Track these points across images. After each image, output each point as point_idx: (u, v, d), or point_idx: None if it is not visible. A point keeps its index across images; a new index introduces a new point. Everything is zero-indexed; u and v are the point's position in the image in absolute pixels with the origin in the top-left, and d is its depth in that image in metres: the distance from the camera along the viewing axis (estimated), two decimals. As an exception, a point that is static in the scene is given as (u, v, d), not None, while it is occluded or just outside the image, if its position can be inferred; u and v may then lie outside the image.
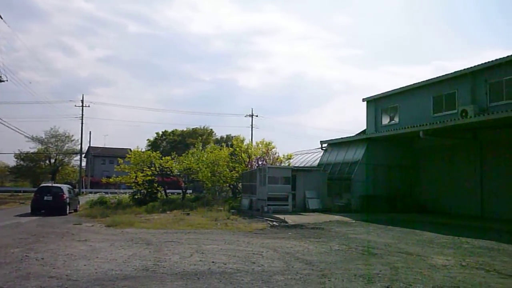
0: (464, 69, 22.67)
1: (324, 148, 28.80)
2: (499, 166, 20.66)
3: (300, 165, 30.66)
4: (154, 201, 28.02)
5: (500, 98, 20.89)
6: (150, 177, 29.31)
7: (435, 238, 13.13)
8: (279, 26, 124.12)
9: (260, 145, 31.53)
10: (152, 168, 30.03)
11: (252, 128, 61.41)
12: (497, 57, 21.06)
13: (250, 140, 50.43)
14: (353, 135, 29.47)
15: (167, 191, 33.09)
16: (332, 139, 28.29)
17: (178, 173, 34.59)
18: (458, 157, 22.88)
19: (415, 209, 23.62)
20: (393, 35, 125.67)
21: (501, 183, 20.46)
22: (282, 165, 29.38)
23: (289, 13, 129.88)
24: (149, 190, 29.22)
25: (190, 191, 40.67)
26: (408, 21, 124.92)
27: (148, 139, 77.13)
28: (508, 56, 20.43)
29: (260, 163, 29.77)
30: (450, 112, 23.17)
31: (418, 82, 25.74)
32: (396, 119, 27.51)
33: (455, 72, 23.25)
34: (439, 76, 24.29)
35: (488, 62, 21.39)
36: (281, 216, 18.73)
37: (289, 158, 31.74)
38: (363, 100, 30.38)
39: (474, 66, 22.11)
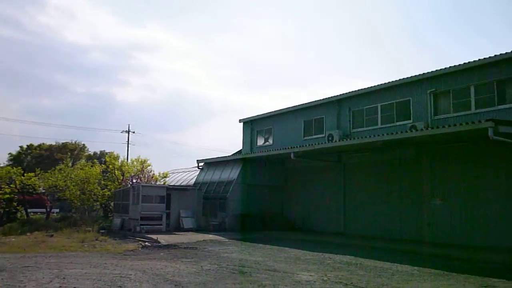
0: (331, 96, 24.62)
1: (200, 167, 28.91)
2: (357, 187, 22.61)
3: (176, 184, 30.35)
4: (12, 222, 25.46)
5: (361, 125, 23.02)
6: (8, 195, 26.63)
7: (302, 255, 13.84)
8: (160, 42, 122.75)
9: (135, 163, 30.62)
10: (11, 185, 27.34)
11: (128, 145, 59.29)
12: (359, 88, 23.32)
13: (126, 157, 48.70)
14: (230, 154, 30.08)
15: (29, 210, 30.30)
16: (208, 158, 28.53)
17: (43, 191, 31.96)
18: (325, 178, 24.54)
19: (286, 227, 24.74)
20: (272, 59, 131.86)
21: (359, 202, 22.39)
22: (157, 183, 28.82)
23: (171, 30, 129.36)
24: (7, 209, 26.55)
25: (57, 210, 37.71)
26: (290, 46, 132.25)
27: (9, 153, 70.05)
28: (366, 88, 22.73)
29: (134, 181, 28.86)
30: (319, 136, 24.92)
31: (291, 107, 27.31)
32: (270, 141, 28.77)
33: (323, 99, 25.12)
34: (310, 102, 26.05)
35: (351, 92, 23.51)
36: (154, 236, 18.33)
37: (165, 177, 31.29)
38: (240, 121, 31.33)
39: (340, 94, 24.13)
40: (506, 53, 16.98)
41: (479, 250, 15.38)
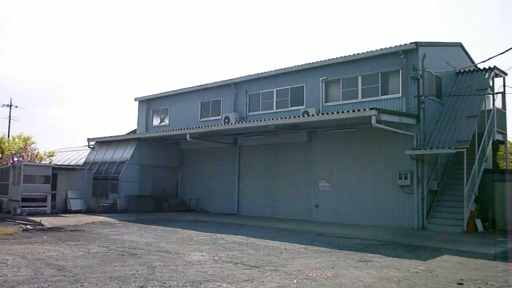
0: (229, 79, 24.74)
1: (91, 146, 27.55)
2: (251, 169, 23.21)
3: (64, 163, 28.62)
4: None
5: (257, 108, 23.48)
6: None
7: (195, 235, 13.89)
8: (42, 4, 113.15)
9: (17, 140, 28.36)
10: None
11: (9, 120, 54.22)
12: (257, 72, 23.70)
13: (7, 134, 44.73)
14: (124, 134, 29.02)
15: None
16: (100, 137, 27.27)
17: None
18: (220, 160, 24.79)
19: (181, 208, 24.72)
20: (168, 35, 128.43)
21: (252, 184, 23.03)
22: (42, 162, 26.99)
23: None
24: None
25: None
26: (195, 23, 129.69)
27: None
28: (264, 72, 23.15)
29: (16, 159, 26.72)
30: (216, 118, 24.99)
31: (189, 87, 26.98)
32: (167, 121, 28.25)
33: (221, 81, 25.15)
34: (207, 84, 25.93)
35: (249, 75, 23.82)
36: (37, 219, 17.25)
37: (51, 155, 29.44)
38: (135, 99, 30.30)
39: (237, 77, 24.32)
40: (390, 47, 18.35)
41: (361, 228, 16.68)
